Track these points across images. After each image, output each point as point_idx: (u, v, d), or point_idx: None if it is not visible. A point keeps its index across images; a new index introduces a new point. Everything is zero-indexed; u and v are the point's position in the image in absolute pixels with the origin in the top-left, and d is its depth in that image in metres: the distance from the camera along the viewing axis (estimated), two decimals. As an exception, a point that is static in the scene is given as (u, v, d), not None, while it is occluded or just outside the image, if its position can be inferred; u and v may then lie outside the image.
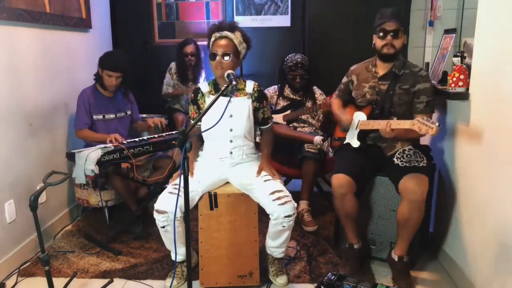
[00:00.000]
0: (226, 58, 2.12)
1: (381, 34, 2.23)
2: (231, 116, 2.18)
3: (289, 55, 3.20)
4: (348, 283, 2.05)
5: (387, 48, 2.23)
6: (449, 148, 2.41)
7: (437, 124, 1.89)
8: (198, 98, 2.28)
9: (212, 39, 2.17)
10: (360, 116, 2.35)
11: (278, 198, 2.07)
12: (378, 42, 2.26)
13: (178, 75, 3.88)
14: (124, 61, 2.88)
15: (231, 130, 2.20)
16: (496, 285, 1.92)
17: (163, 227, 2.13)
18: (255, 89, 2.26)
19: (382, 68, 2.33)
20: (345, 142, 2.44)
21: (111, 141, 2.69)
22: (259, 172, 2.20)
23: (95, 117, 2.91)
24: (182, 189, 1.73)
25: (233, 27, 2.16)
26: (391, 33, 2.20)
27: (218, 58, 2.12)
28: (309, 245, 2.69)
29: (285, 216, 2.06)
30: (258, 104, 2.26)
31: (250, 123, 2.23)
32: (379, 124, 2.17)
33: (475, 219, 2.11)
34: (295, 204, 2.11)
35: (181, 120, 3.75)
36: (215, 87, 2.26)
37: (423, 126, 1.93)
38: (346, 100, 2.56)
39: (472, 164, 2.13)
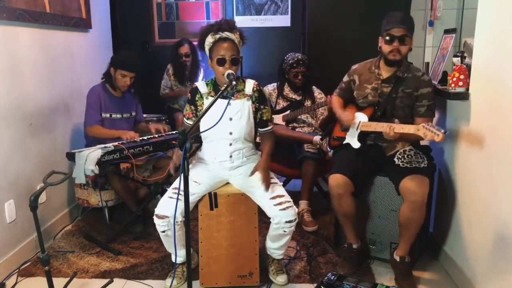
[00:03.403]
0: (236, 64, 2.06)
1: (387, 38, 2.19)
2: (230, 119, 2.14)
3: (289, 54, 3.21)
4: (348, 283, 2.05)
5: (393, 55, 2.21)
6: (449, 148, 2.41)
7: (442, 131, 1.88)
8: (196, 99, 2.21)
9: (211, 40, 2.07)
10: (361, 117, 2.34)
11: (280, 204, 2.06)
12: (384, 47, 2.23)
13: (176, 76, 3.88)
14: (138, 61, 2.90)
15: (230, 133, 2.15)
16: (496, 285, 1.92)
17: (164, 231, 2.11)
18: (255, 89, 2.20)
19: (386, 71, 2.32)
20: (344, 142, 2.44)
21: (126, 139, 2.72)
22: (252, 172, 2.14)
23: (103, 115, 2.91)
24: (182, 193, 1.71)
25: (232, 27, 2.08)
26: (398, 39, 2.18)
27: (227, 64, 2.05)
28: (309, 245, 2.69)
29: (287, 222, 2.05)
30: (258, 105, 2.22)
31: (251, 125, 2.19)
32: (382, 127, 2.17)
33: (475, 219, 2.11)
34: (297, 210, 2.11)
35: (182, 120, 3.74)
36: (215, 88, 2.20)
37: (429, 133, 1.93)
38: (346, 99, 2.54)
39: (472, 164, 2.13)
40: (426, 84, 2.26)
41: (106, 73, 2.93)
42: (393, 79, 2.29)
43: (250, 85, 2.20)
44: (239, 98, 2.18)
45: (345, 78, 2.52)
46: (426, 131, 1.94)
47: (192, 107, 2.23)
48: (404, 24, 2.17)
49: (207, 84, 2.22)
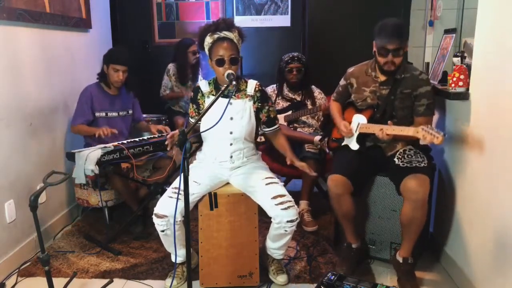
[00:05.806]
0: (235, 63, 2.05)
1: (381, 52, 2.19)
2: (231, 118, 2.15)
3: (286, 54, 3.22)
4: (348, 283, 2.05)
5: (388, 66, 2.21)
6: (449, 149, 2.41)
7: (442, 133, 1.88)
8: (198, 97, 2.24)
9: (209, 40, 2.07)
10: (360, 119, 2.35)
11: (281, 203, 2.05)
12: (379, 58, 2.23)
13: (178, 76, 3.88)
14: (128, 54, 2.92)
15: (231, 133, 2.16)
16: (496, 286, 1.92)
17: (163, 231, 2.11)
18: (257, 89, 2.21)
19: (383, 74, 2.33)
20: (343, 144, 2.44)
21: (99, 135, 2.69)
22: (291, 161, 2.19)
23: (97, 114, 2.92)
24: (182, 193, 1.71)
25: (230, 26, 2.07)
26: (392, 52, 2.17)
27: (226, 64, 2.05)
28: (309, 245, 2.69)
29: (288, 221, 2.05)
30: (260, 104, 2.22)
31: (251, 125, 2.20)
32: (375, 129, 2.18)
33: (476, 219, 2.11)
34: (298, 209, 2.11)
35: (181, 124, 3.75)
36: (216, 87, 2.21)
37: (428, 135, 1.92)
38: (344, 103, 2.55)
39: (472, 164, 2.13)
40: (424, 83, 2.25)
41: (100, 72, 2.95)
42: (391, 81, 2.29)
43: (252, 85, 2.21)
44: (241, 98, 2.18)
45: (342, 82, 2.52)
46: (425, 133, 1.94)
47: (194, 106, 2.26)
48: (398, 38, 2.15)
49: (209, 84, 2.23)
